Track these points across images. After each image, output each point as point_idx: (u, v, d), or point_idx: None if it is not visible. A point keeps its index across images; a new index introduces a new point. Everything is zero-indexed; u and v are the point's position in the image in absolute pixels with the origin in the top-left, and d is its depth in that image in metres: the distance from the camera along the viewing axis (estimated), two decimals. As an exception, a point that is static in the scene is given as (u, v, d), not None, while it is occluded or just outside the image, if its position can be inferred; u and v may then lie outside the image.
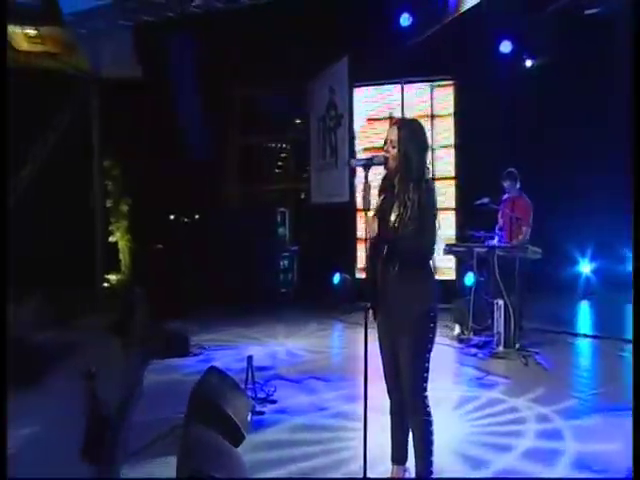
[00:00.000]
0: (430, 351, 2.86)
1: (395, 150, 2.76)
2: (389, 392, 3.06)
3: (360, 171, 2.84)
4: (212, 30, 10.50)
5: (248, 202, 14.32)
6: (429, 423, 2.87)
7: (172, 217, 16.73)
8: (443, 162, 9.59)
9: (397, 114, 9.51)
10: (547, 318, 7.89)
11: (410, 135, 2.78)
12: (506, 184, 6.92)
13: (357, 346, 7.61)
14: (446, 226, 9.14)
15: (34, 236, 12.38)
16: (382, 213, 2.85)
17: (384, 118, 9.72)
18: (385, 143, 2.86)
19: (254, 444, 3.80)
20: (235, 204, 14.10)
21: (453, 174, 9.51)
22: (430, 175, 2.98)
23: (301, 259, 11.50)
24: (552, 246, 7.56)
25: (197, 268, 13.09)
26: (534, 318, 7.47)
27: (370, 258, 3.01)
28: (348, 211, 10.09)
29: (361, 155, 9.29)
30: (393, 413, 3.07)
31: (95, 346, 8.99)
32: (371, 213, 2.88)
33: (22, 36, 10.30)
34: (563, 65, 9.19)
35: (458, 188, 9.32)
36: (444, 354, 6.48)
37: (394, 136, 2.77)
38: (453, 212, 9.34)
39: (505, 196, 7.01)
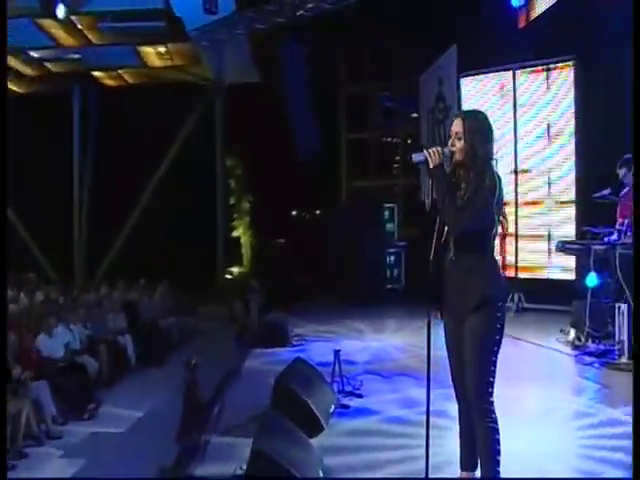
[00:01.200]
0: (495, 352, 2.71)
1: (461, 142, 2.71)
2: (456, 395, 2.98)
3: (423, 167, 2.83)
4: (322, 31, 10.89)
5: (361, 198, 14.57)
6: (494, 431, 2.73)
7: (294, 213, 17.69)
8: (562, 150, 8.80)
9: (509, 102, 9.02)
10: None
11: (476, 126, 2.72)
12: (621, 172, 6.18)
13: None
14: (565, 221, 8.56)
15: (163, 232, 13.96)
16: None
17: (496, 107, 9.26)
18: (450, 137, 2.80)
19: (333, 435, 3.93)
20: (348, 200, 14.46)
21: (572, 164, 8.70)
22: (496, 167, 2.81)
23: (410, 255, 11.46)
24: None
25: (312, 263, 13.72)
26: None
27: (434, 252, 2.89)
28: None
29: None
30: (460, 418, 2.99)
31: (209, 333, 9.96)
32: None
33: (153, 54, 11.64)
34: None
35: (578, 180, 8.54)
36: (555, 360, 6.09)
37: (459, 128, 2.73)
38: (572, 206, 8.58)
39: (626, 188, 6.31)
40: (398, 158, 14.94)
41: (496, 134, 2.97)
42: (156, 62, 12.13)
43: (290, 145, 13.21)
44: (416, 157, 2.77)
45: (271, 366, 6.11)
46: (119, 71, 12.85)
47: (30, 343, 6.44)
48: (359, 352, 6.57)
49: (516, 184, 9.00)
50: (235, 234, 15.56)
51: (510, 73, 9.09)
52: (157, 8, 9.20)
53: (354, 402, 4.67)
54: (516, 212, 8.92)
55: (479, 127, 2.73)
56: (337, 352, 4.91)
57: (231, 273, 16.04)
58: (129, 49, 11.10)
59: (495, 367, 2.73)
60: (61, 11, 6.62)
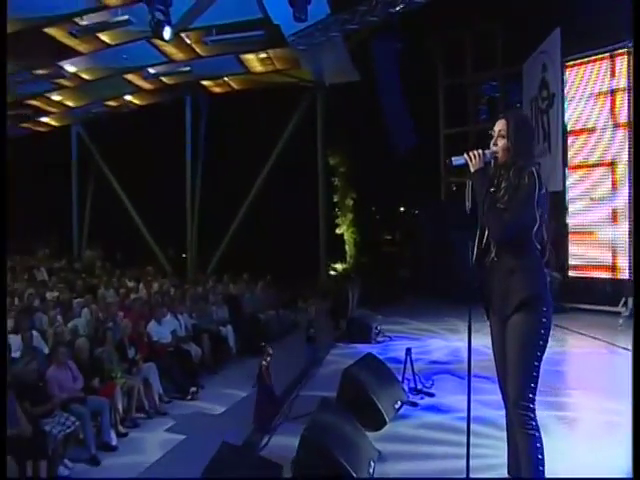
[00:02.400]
0: (538, 357, 2.67)
1: (504, 140, 2.76)
2: (502, 399, 2.93)
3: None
4: (416, 26, 10.89)
5: (458, 195, 14.27)
6: (534, 439, 2.67)
7: (402, 209, 17.77)
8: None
9: (622, 85, 8.36)
10: None
11: (518, 125, 2.77)
12: None
13: (549, 351, 7.21)
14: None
15: (268, 229, 14.83)
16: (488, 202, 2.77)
17: (604, 92, 8.64)
18: (492, 137, 2.84)
19: (395, 431, 4.07)
20: (446, 197, 14.24)
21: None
22: (536, 165, 2.75)
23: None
24: None
25: (412, 260, 13.76)
26: None
27: (476, 254, 2.92)
28: (560, 202, 9.32)
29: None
30: (507, 421, 2.95)
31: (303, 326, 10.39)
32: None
33: (255, 60, 12.44)
34: None
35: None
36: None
37: (503, 126, 2.78)
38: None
39: None
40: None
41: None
42: (258, 68, 12.95)
43: (391, 142, 13.30)
44: (456, 160, 2.83)
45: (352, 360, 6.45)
46: (225, 79, 13.90)
47: (143, 329, 7.33)
48: (442, 352, 6.58)
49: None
50: (339, 231, 15.90)
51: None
52: (256, 18, 9.85)
53: (425, 400, 4.76)
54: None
55: (521, 126, 2.78)
56: (408, 350, 5.04)
57: (335, 269, 16.52)
58: (233, 58, 12.00)
59: (537, 373, 2.68)
60: (167, 33, 7.46)
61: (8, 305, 9.12)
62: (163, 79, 13.19)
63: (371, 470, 3.29)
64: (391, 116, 12.09)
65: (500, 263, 2.77)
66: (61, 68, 11.53)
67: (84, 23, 9.16)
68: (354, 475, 2.96)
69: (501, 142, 2.78)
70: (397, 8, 9.40)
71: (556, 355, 6.53)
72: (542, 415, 4.17)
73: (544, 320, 2.68)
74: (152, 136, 15.22)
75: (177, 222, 16.16)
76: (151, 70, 12.15)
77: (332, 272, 16.40)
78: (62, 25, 9.38)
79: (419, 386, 4.97)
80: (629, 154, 8.31)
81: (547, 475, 2.70)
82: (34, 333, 6.70)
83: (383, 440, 3.86)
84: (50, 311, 8.16)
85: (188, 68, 12.13)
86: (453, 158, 2.84)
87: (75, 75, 12.11)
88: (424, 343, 6.93)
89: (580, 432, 4.31)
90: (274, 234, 15.03)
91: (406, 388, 4.81)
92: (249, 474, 2.89)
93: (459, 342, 7.19)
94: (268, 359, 5.21)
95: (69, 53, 10.74)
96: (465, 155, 2.80)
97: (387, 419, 3.98)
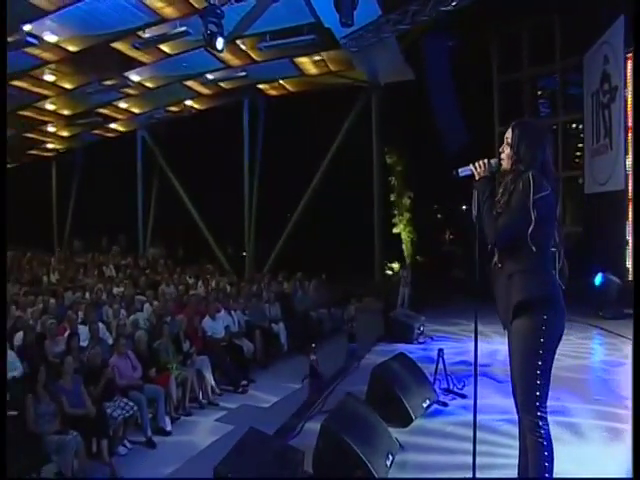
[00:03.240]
0: (539, 365, 2.65)
1: (509, 148, 2.82)
2: (515, 404, 2.90)
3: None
4: (469, 22, 10.83)
5: None
6: (542, 447, 2.65)
7: (464, 207, 17.59)
8: None
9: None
10: None
11: (524, 134, 2.79)
12: None
13: (599, 358, 7.00)
14: None
15: (323, 229, 15.17)
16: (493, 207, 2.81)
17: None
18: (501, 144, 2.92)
19: (420, 428, 4.20)
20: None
21: None
22: (540, 170, 2.73)
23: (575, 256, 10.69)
24: None
25: (464, 260, 13.64)
26: None
27: (479, 260, 3.00)
28: (621, 201, 9.00)
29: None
30: (519, 427, 2.86)
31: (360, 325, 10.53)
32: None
33: (309, 63, 12.82)
34: None
35: None
36: None
37: (509, 135, 2.86)
38: None
39: None
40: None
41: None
42: (312, 70, 13.33)
43: (442, 142, 13.28)
44: (462, 171, 2.91)
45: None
46: (280, 81, 14.39)
47: (197, 324, 7.85)
48: (482, 354, 6.56)
49: None
50: (396, 230, 15.94)
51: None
52: (308, 23, 10.21)
53: (456, 401, 4.84)
54: None
55: (527, 135, 2.80)
56: (440, 351, 5.17)
57: (392, 269, 16.58)
58: (287, 61, 12.44)
59: (542, 380, 2.66)
60: (220, 44, 7.93)
61: (79, 298, 10.05)
62: (221, 84, 13.87)
63: (388, 462, 3.46)
64: (442, 116, 12.08)
65: (502, 269, 2.81)
66: (127, 78, 12.45)
67: (146, 36, 9.92)
68: (369, 465, 3.18)
69: (507, 150, 2.84)
70: (449, 6, 9.43)
71: (609, 364, 6.43)
72: (590, 425, 4.30)
73: (543, 328, 2.63)
74: (211, 138, 15.99)
75: (236, 221, 16.83)
76: (209, 76, 12.83)
77: (389, 272, 16.48)
78: (127, 39, 10.18)
79: (451, 387, 5.06)
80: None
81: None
82: (100, 325, 7.38)
83: (408, 435, 4.04)
84: (115, 305, 8.90)
85: (244, 73, 12.71)
86: (459, 169, 2.91)
87: (139, 84, 13.01)
88: (464, 345, 6.94)
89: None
90: (330, 233, 15.34)
91: (437, 388, 4.94)
92: (269, 459, 3.18)
93: (501, 345, 7.14)
94: (314, 355, 5.53)
95: (134, 64, 11.60)
96: (471, 165, 2.88)
97: (413, 416, 4.15)
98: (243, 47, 11.42)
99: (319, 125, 14.86)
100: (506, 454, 3.62)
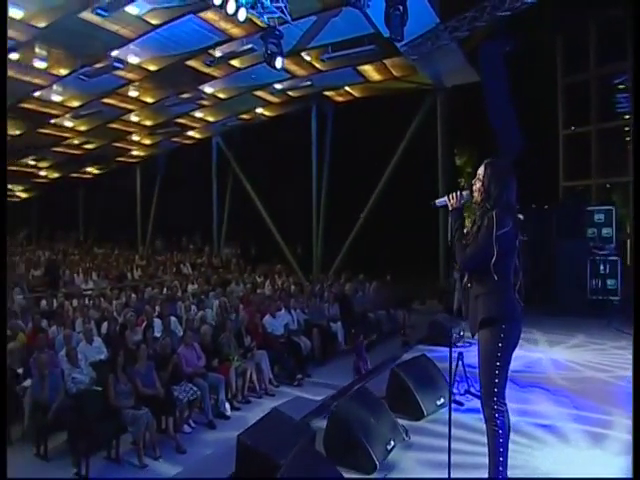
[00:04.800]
0: (497, 366, 3.22)
1: (480, 183, 3.32)
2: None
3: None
4: (530, 25, 10.83)
5: (569, 199, 13.64)
6: (497, 434, 3.19)
7: (534, 206, 17.27)
8: None
9: None
10: None
11: (495, 172, 3.29)
12: None
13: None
14: None
15: (389, 231, 15.58)
16: (464, 235, 3.37)
17: None
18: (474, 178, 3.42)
19: (432, 423, 4.72)
20: (567, 199, 13.72)
21: None
22: (504, 208, 3.22)
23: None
24: None
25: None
26: None
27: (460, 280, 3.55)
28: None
29: None
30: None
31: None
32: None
33: (372, 70, 13.36)
34: None
35: None
36: None
37: (481, 171, 3.35)
38: None
39: None
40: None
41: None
42: (376, 76, 13.84)
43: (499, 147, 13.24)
44: (439, 202, 3.48)
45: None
46: (345, 88, 15.02)
47: (259, 321, 8.65)
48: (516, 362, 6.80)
49: None
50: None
51: None
52: (368, 33, 10.73)
53: (472, 402, 5.24)
54: None
55: (497, 175, 3.28)
56: (460, 354, 5.64)
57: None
58: (351, 69, 13.04)
59: (499, 380, 3.24)
60: (279, 63, 8.68)
61: (157, 294, 11.25)
62: (289, 93, 14.75)
63: (389, 447, 4.05)
64: (497, 121, 12.08)
65: (472, 289, 3.37)
66: (201, 91, 13.65)
67: (217, 54, 10.98)
68: (367, 446, 3.76)
69: (478, 184, 3.35)
70: (506, 11, 9.60)
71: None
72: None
73: (501, 336, 3.22)
74: (281, 142, 16.92)
75: (305, 223, 17.62)
76: (277, 86, 13.71)
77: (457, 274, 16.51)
78: (199, 57, 11.28)
79: (470, 388, 5.51)
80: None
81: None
82: (172, 319, 8.40)
83: (417, 427, 4.61)
84: (187, 301, 9.96)
85: (309, 82, 13.47)
86: (437, 200, 3.50)
87: (212, 95, 14.18)
88: None
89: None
90: (396, 235, 15.69)
91: (455, 389, 5.37)
92: (285, 434, 3.84)
93: (539, 354, 7.43)
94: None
95: (207, 78, 12.74)
96: (446, 197, 3.43)
97: (425, 411, 4.68)
98: (307, 58, 12.16)
99: (386, 128, 15.23)
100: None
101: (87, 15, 8.95)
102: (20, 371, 6.33)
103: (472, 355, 6.93)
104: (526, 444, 4.42)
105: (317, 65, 12.61)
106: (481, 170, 3.37)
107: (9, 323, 7.76)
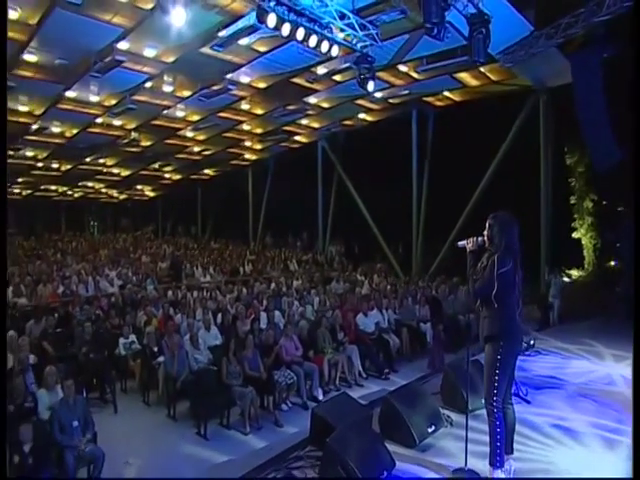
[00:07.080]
0: (497, 374, 4.18)
1: (487, 232, 4.29)
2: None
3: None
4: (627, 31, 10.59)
5: None
6: (495, 426, 4.22)
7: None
8: None
9: None
10: None
11: (495, 224, 4.25)
12: None
13: None
14: None
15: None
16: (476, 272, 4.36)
17: None
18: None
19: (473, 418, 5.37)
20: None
21: None
22: (504, 251, 4.14)
23: None
24: None
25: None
26: None
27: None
28: None
29: None
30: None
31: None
32: None
33: (469, 77, 13.77)
34: None
35: None
36: None
37: (490, 222, 4.30)
38: None
39: None
40: None
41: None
42: (473, 82, 14.16)
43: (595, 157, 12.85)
44: (460, 244, 4.48)
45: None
46: (444, 93, 15.51)
47: (352, 318, 9.66)
48: (572, 371, 7.37)
49: None
50: (575, 235, 15.50)
51: None
52: (460, 45, 11.18)
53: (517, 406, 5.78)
54: None
55: (500, 224, 4.23)
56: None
57: (569, 276, 16.21)
58: (447, 77, 13.53)
59: (498, 383, 4.21)
60: (371, 86, 9.55)
61: (264, 289, 12.71)
62: (390, 100, 15.59)
63: (430, 430, 5.22)
64: (590, 132, 11.78)
65: (481, 312, 4.37)
66: (305, 102, 14.96)
67: (319, 72, 12.20)
68: (410, 427, 4.82)
69: (486, 232, 4.30)
70: (601, 17, 9.62)
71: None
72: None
73: (500, 350, 4.20)
74: (383, 145, 17.76)
75: (407, 223, 18.32)
76: (377, 95, 14.61)
77: (566, 279, 16.18)
78: (303, 75, 12.57)
79: (518, 392, 6.24)
80: None
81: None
82: (276, 312, 9.75)
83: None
84: (290, 297, 11.29)
85: (407, 91, 14.21)
86: (459, 243, 4.47)
87: (317, 105, 15.44)
88: (567, 362, 7.83)
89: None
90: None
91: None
92: (349, 411, 5.06)
93: (602, 367, 7.77)
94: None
95: (310, 92, 14.01)
96: (465, 240, 4.41)
97: (470, 407, 5.40)
98: (404, 69, 12.91)
99: (486, 129, 15.35)
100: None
101: (206, 50, 10.56)
102: (155, 349, 8.00)
103: (533, 363, 7.52)
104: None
105: (414, 75, 13.30)
106: (490, 221, 4.30)
107: (145, 310, 9.66)
